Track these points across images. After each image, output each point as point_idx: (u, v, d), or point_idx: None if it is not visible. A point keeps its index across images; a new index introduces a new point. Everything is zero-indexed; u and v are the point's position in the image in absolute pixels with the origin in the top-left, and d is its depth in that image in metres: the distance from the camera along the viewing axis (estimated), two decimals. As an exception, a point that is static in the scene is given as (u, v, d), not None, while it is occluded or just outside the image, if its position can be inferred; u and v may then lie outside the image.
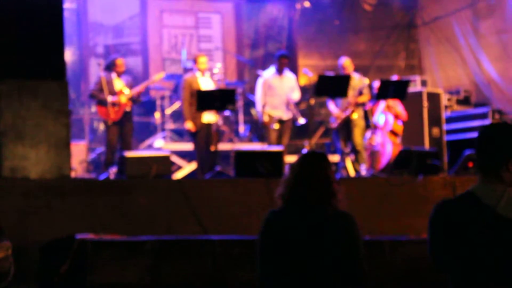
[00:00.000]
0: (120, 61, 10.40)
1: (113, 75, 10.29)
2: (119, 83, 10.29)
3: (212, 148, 9.99)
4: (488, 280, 2.88)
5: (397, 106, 10.88)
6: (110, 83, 10.18)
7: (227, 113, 11.52)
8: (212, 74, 11.15)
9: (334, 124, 10.51)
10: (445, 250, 2.96)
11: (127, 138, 10.23)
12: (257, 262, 3.78)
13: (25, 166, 7.14)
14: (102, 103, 10.11)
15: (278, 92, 10.60)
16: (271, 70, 10.78)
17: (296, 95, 10.75)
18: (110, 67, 10.33)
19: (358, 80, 10.41)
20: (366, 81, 10.44)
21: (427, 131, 11.46)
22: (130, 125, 10.33)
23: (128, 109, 10.23)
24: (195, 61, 10.43)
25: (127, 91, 10.23)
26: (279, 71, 10.68)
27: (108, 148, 10.15)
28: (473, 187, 3.01)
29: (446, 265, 2.99)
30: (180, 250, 6.28)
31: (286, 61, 10.75)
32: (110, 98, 10.04)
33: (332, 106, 10.59)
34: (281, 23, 14.55)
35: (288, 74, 10.81)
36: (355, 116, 10.34)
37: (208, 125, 10.14)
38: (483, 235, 2.88)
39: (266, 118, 10.49)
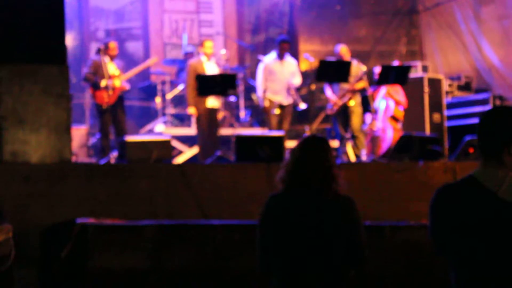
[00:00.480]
0: (113, 44, 10.30)
1: (106, 58, 10.19)
2: (112, 67, 10.23)
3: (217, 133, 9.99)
4: (489, 264, 2.87)
5: (398, 94, 10.85)
6: (103, 66, 10.12)
7: (232, 98, 11.52)
8: (218, 60, 11.12)
9: (331, 111, 10.48)
10: (446, 234, 2.95)
11: (121, 125, 10.14)
12: (257, 246, 3.77)
13: (26, 150, 7.14)
14: (96, 86, 10.05)
15: (279, 77, 10.58)
16: (272, 55, 10.76)
17: (297, 80, 10.73)
18: (103, 50, 10.24)
19: (355, 67, 10.31)
20: (363, 68, 10.39)
21: (428, 116, 11.44)
22: (122, 112, 10.25)
23: (121, 93, 10.17)
24: (201, 45, 10.40)
25: (122, 75, 10.19)
26: (280, 56, 10.66)
27: (103, 134, 10.10)
28: (474, 172, 3.00)
29: (447, 250, 2.97)
30: (180, 234, 6.29)
31: (287, 46, 10.72)
32: (105, 82, 10.00)
33: (329, 92, 10.56)
34: (282, 8, 14.51)
35: (289, 59, 10.78)
36: (352, 103, 10.30)
37: (212, 110, 10.13)
38: (484, 219, 2.88)
39: (266, 103, 10.47)
